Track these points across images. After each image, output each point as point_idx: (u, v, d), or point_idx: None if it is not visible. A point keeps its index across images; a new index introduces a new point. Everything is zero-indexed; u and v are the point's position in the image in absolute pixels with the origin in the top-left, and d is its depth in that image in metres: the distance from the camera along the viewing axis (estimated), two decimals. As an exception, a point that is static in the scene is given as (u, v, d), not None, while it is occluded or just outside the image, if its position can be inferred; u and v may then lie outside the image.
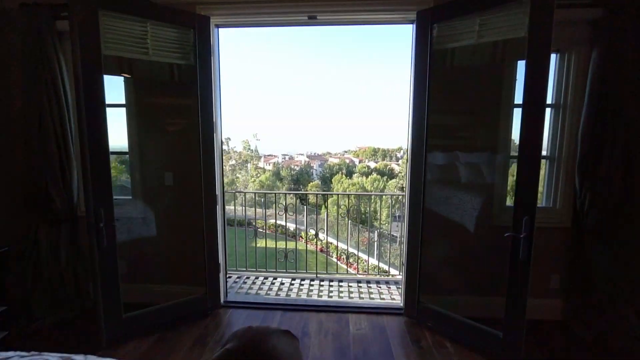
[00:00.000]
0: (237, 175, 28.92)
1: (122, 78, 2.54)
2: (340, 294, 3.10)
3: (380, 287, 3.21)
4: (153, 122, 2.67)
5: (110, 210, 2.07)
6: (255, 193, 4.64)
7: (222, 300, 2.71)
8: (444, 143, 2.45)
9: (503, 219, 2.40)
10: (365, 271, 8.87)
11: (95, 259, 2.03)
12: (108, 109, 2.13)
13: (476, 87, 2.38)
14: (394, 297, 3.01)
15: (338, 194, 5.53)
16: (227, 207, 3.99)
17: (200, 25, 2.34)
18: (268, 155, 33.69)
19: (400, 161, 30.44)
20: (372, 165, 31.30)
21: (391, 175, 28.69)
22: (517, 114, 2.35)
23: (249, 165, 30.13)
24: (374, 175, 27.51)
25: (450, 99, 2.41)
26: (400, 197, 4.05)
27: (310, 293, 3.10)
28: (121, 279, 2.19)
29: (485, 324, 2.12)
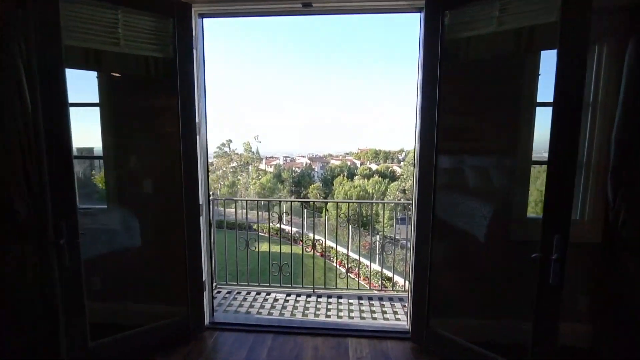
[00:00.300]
0: (239, 177, 28.69)
1: (95, 74, 2.28)
2: (340, 312, 2.82)
3: (383, 304, 2.92)
4: (129, 123, 2.40)
5: (73, 224, 1.80)
6: (247, 201, 4.35)
7: (207, 321, 2.43)
8: (457, 146, 2.17)
9: (524, 233, 2.12)
10: (367, 277, 8.58)
11: (55, 280, 1.77)
12: (83, 109, 1.90)
13: (494, 82, 2.09)
14: (399, 316, 2.73)
15: (337, 202, 5.25)
16: (225, 209, 3.74)
17: (180, 13, 2.07)
18: (269, 157, 33.55)
19: (402, 163, 30.18)
20: (374, 167, 31.07)
21: (393, 177, 28.42)
22: (539, 113, 2.09)
23: (250, 167, 29.90)
24: (376, 177, 27.24)
25: (463, 97, 2.13)
26: (405, 203, 3.75)
27: (306, 311, 2.82)
28: (92, 298, 1.93)
29: (504, 354, 1.83)
